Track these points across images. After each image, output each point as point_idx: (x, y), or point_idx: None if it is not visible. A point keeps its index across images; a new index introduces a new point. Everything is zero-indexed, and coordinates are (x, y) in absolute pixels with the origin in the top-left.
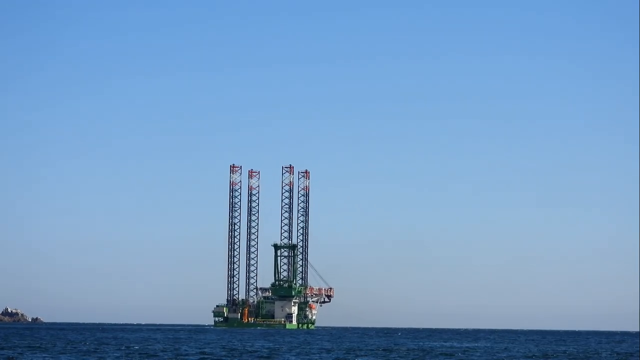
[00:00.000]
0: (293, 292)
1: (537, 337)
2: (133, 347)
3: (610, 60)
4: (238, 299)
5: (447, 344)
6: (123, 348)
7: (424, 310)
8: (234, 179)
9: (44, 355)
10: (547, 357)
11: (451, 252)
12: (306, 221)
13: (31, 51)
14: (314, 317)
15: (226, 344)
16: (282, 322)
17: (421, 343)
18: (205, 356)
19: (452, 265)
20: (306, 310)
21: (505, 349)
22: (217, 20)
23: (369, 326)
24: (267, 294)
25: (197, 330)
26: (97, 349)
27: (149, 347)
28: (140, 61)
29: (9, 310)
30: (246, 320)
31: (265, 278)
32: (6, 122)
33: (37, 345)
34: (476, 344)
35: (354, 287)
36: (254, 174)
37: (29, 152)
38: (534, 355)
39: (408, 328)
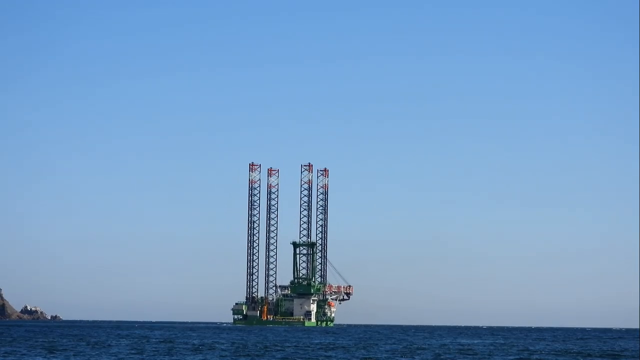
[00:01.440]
0: (312, 290)
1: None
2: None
3: (610, 60)
4: (257, 296)
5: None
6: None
7: (443, 307)
8: (253, 177)
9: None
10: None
11: (470, 249)
12: (325, 219)
13: (34, 50)
14: (332, 315)
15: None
16: (301, 319)
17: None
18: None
19: (471, 262)
20: (325, 308)
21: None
22: (238, 19)
23: (389, 324)
24: (286, 291)
25: (214, 328)
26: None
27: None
28: (159, 59)
29: (29, 308)
30: (265, 318)
31: (284, 276)
32: (15, 120)
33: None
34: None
35: (373, 285)
36: (273, 172)
37: (35, 148)
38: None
39: (426, 326)
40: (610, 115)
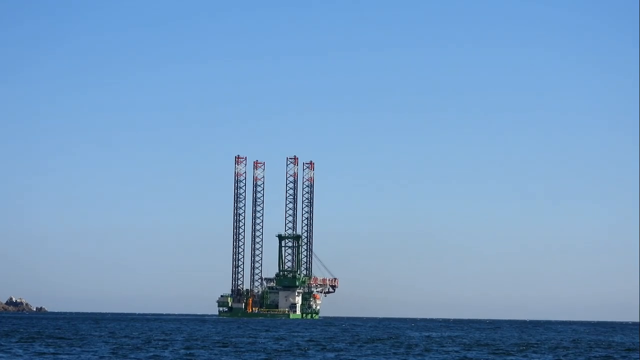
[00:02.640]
0: (297, 283)
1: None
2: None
3: (611, 54)
4: (243, 289)
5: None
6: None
7: (428, 300)
8: (238, 169)
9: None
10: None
11: (456, 242)
12: (311, 212)
13: (37, 42)
14: (318, 307)
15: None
16: (286, 312)
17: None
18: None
19: (456, 255)
20: (310, 301)
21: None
22: (221, 13)
23: (373, 316)
24: (271, 284)
25: (197, 319)
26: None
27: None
28: (144, 54)
29: (14, 299)
30: (250, 310)
31: (270, 269)
32: (17, 113)
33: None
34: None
35: (358, 278)
36: (259, 164)
37: (33, 141)
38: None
39: (412, 318)
40: (613, 108)
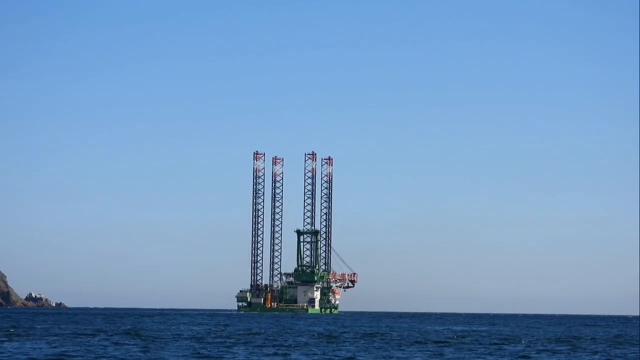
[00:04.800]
0: (315, 278)
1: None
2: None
3: (611, 48)
4: (262, 284)
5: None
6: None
7: (448, 294)
8: (257, 165)
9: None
10: None
11: (475, 236)
12: (329, 207)
13: (37, 38)
14: (337, 302)
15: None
16: (305, 306)
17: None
18: None
19: (477, 249)
20: (329, 295)
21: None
22: (241, 6)
23: (394, 311)
24: (290, 279)
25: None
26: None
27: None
28: (164, 46)
29: (33, 295)
30: (269, 305)
31: (289, 264)
32: (20, 107)
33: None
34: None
35: (378, 273)
36: (278, 160)
37: (32, 137)
38: None
39: (434, 313)
40: (615, 100)
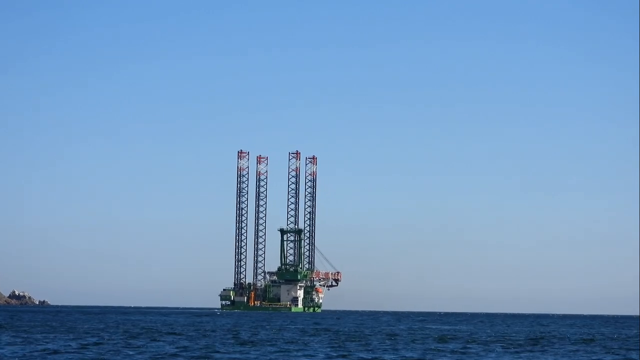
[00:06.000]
0: (299, 276)
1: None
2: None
3: (612, 47)
4: (245, 282)
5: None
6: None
7: (432, 294)
8: (241, 164)
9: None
10: None
11: (459, 235)
12: (313, 206)
13: (38, 35)
14: (320, 301)
15: None
16: (288, 305)
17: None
18: None
19: (460, 247)
20: (313, 294)
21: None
22: (223, 6)
23: (378, 310)
24: (273, 278)
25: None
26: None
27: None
28: (147, 47)
29: (17, 293)
30: (252, 304)
31: (272, 262)
32: (19, 105)
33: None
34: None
35: (362, 271)
36: (262, 159)
37: (35, 135)
38: None
39: (416, 312)
40: (615, 100)
